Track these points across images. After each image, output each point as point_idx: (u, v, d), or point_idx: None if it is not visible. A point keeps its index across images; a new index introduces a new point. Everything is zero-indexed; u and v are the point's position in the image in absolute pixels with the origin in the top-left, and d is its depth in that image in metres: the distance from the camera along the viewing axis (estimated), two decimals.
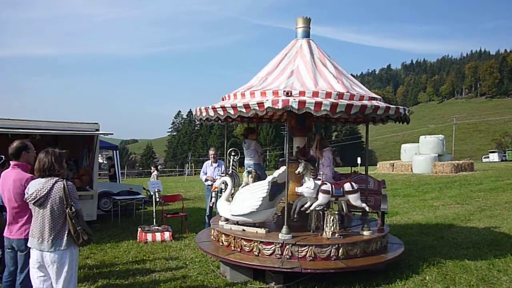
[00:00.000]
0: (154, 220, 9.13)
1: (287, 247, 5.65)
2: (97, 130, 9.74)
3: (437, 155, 28.75)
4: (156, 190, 9.42)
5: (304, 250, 5.63)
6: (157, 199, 9.41)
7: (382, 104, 5.88)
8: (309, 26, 6.99)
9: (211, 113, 6.20)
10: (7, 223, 4.26)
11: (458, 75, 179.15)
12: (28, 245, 3.80)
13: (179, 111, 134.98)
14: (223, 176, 7.27)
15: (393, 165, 30.90)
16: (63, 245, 3.68)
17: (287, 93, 5.62)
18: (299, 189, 6.21)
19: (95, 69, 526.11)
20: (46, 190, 3.67)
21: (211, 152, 9.42)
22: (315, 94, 5.72)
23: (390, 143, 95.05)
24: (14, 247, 4.22)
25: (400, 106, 6.24)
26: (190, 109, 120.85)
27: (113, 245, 8.16)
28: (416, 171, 28.12)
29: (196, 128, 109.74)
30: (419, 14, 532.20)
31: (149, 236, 8.49)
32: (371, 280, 5.65)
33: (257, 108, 5.49)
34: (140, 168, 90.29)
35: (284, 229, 5.79)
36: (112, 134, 9.83)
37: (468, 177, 23.50)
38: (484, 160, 57.17)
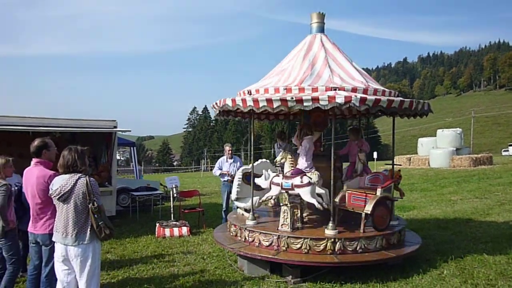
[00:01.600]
0: (172, 215, 9.27)
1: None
2: (115, 127, 9.90)
3: (455, 148, 28.45)
4: (174, 185, 9.54)
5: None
6: (175, 195, 9.53)
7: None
8: (324, 21, 6.99)
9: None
10: (31, 219, 4.40)
11: (476, 67, 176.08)
12: (53, 239, 3.92)
13: (195, 107, 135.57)
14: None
15: (410, 159, 30.67)
16: (86, 239, 3.79)
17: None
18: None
19: (110, 67, 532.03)
20: (70, 186, 3.78)
21: (227, 148, 9.49)
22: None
23: (406, 137, 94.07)
24: (39, 241, 4.37)
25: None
26: (206, 105, 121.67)
27: (132, 240, 8.33)
28: (434, 165, 27.86)
29: (211, 124, 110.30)
30: (435, 5, 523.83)
31: (167, 231, 8.62)
32: (388, 274, 5.66)
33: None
34: (157, 164, 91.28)
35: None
36: (130, 131, 9.98)
37: (486, 170, 23.20)
38: (503, 153, 56.19)
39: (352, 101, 5.29)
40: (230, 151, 9.37)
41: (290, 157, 6.34)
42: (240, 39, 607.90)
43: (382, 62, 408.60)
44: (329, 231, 5.84)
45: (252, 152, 6.91)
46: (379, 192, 6.15)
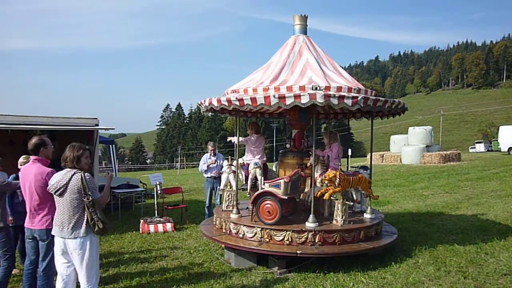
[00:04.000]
0: (156, 211, 9.41)
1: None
2: (97, 125, 9.92)
3: (425, 146, 29.40)
4: (157, 182, 9.67)
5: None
6: (159, 192, 9.67)
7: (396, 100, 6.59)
8: (306, 23, 7.29)
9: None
10: (28, 214, 4.51)
11: (445, 67, 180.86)
12: (52, 232, 4.07)
13: (168, 105, 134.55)
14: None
15: (383, 156, 31.48)
16: (81, 232, 3.94)
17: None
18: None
19: (79, 63, 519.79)
20: (66, 181, 3.95)
21: (210, 146, 9.65)
22: (339, 89, 6.15)
23: (378, 134, 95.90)
24: (36, 237, 4.48)
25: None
26: (179, 102, 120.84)
27: (117, 236, 8.44)
28: (405, 162, 28.74)
29: (185, 121, 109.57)
30: (406, 5, 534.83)
31: (152, 227, 8.77)
32: (368, 264, 6.02)
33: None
34: (130, 163, 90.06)
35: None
36: (113, 129, 10.05)
37: (455, 167, 24.12)
38: (470, 150, 58.12)
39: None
40: (212, 150, 9.54)
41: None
42: (214, 36, 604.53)
43: (354, 60, 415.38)
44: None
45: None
46: (266, 186, 6.47)
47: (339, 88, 6.16)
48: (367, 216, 6.93)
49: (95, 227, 3.98)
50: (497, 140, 44.67)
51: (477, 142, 61.93)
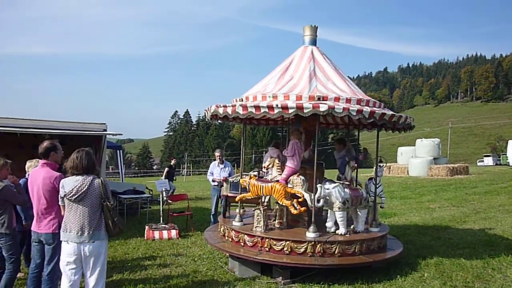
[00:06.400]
0: (161, 218, 9.42)
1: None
2: (105, 130, 10.00)
3: (432, 158, 29.21)
4: (163, 189, 9.69)
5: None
6: (165, 198, 9.68)
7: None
8: (316, 34, 7.33)
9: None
10: (35, 218, 4.54)
11: (454, 79, 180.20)
12: (63, 239, 4.06)
13: (176, 111, 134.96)
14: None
15: (390, 168, 31.28)
16: (101, 236, 4.04)
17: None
18: None
19: (89, 69, 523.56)
20: (86, 186, 4.00)
21: (217, 153, 9.63)
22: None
23: (386, 145, 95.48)
24: (42, 240, 4.50)
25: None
26: (187, 109, 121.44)
27: (122, 242, 8.44)
28: (412, 174, 28.55)
29: (192, 128, 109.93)
30: (416, 17, 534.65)
31: (157, 234, 8.78)
32: (373, 277, 5.97)
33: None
34: (136, 168, 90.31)
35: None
36: (121, 134, 10.10)
37: (463, 180, 23.93)
38: (478, 164, 57.66)
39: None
40: (220, 157, 9.53)
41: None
42: (223, 44, 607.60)
43: (363, 71, 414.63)
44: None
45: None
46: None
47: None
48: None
49: (116, 229, 4.12)
50: (505, 154, 44.41)
51: (485, 156, 61.48)
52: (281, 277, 5.83)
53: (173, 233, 8.91)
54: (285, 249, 5.99)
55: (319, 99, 6.00)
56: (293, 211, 6.25)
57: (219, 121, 7.29)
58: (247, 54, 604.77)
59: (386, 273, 6.17)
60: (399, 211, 12.80)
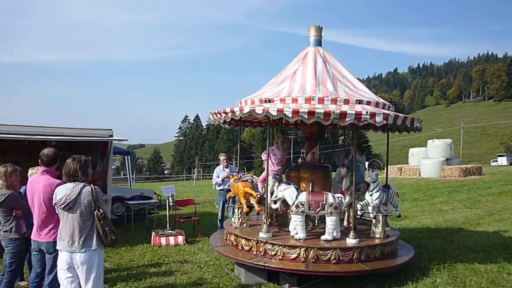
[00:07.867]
0: (168, 224, 9.32)
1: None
2: (111, 136, 9.95)
3: (445, 159, 28.79)
4: (170, 194, 9.60)
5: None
6: (171, 204, 9.59)
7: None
8: (321, 34, 7.18)
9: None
10: (35, 227, 4.45)
11: (465, 79, 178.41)
12: (58, 247, 3.97)
13: (186, 116, 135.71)
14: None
15: (401, 169, 30.94)
16: (93, 245, 3.88)
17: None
18: None
19: (100, 75, 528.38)
20: (75, 195, 3.86)
21: (222, 157, 9.58)
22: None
23: (397, 147, 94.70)
24: (43, 249, 4.41)
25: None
26: (198, 114, 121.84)
27: (128, 248, 8.36)
28: (424, 175, 28.15)
29: (203, 132, 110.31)
30: (426, 17, 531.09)
31: (163, 240, 8.68)
32: (383, 283, 5.78)
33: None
34: (148, 173, 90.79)
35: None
36: (126, 140, 10.03)
37: (476, 181, 23.51)
38: (492, 164, 56.91)
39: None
40: (225, 160, 9.46)
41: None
42: (232, 49, 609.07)
43: (373, 72, 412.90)
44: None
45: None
46: None
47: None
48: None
49: (108, 239, 3.93)
50: None
51: (499, 156, 60.74)
52: (287, 284, 5.68)
53: (180, 239, 8.80)
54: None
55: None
56: (244, 209, 7.00)
57: (229, 126, 7.37)
58: (257, 57, 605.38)
59: (397, 279, 5.97)
60: (411, 214, 12.54)
